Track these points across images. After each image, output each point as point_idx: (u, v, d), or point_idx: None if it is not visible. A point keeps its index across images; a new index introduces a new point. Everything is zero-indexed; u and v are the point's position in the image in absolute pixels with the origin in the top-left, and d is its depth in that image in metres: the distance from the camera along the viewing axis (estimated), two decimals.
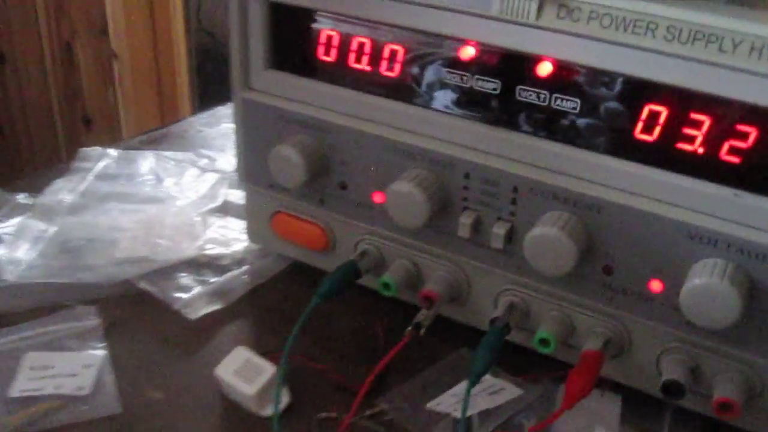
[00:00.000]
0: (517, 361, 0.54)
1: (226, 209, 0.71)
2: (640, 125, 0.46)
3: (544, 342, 0.50)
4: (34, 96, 1.71)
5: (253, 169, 0.60)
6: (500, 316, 0.52)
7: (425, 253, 0.55)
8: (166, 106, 1.78)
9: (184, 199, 0.72)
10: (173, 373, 0.55)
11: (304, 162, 0.55)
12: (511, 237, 0.51)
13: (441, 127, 0.52)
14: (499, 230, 0.51)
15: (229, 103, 0.61)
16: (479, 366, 0.48)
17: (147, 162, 0.78)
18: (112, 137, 1.66)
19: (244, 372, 0.51)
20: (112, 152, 0.79)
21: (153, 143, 0.85)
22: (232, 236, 0.67)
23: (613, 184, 0.47)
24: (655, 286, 0.48)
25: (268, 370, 0.51)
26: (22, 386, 0.52)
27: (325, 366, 0.54)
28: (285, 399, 0.52)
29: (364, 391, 0.50)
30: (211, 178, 0.76)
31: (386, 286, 0.55)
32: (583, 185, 0.48)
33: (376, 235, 0.57)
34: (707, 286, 0.44)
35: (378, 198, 0.55)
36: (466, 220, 0.52)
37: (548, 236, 0.47)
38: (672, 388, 0.47)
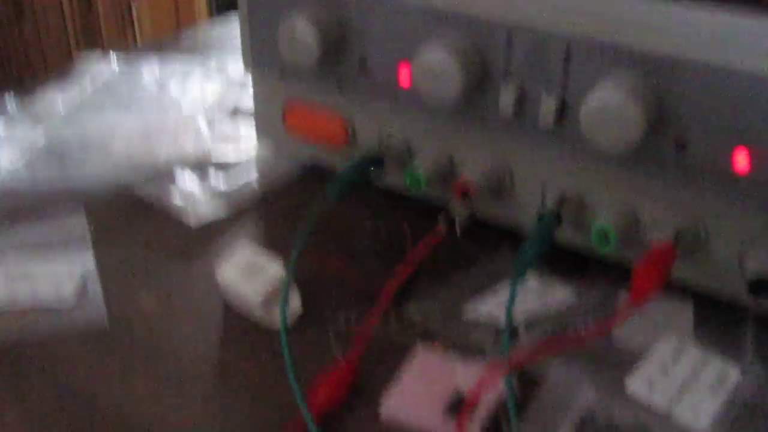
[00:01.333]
0: (570, 268, 0.46)
1: (235, 115, 0.63)
2: None
3: (602, 236, 0.42)
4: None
5: (260, 52, 0.52)
6: (549, 207, 0.43)
7: (460, 141, 0.47)
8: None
9: (189, 105, 0.64)
10: (169, 281, 0.48)
11: (316, 32, 0.46)
12: (562, 112, 0.43)
13: None
14: (549, 104, 0.43)
15: None
16: (528, 255, 0.40)
17: (150, 68, 0.70)
18: None
19: (248, 275, 0.44)
20: (113, 57, 0.72)
21: (158, 50, 0.77)
22: (241, 142, 0.59)
23: (689, 35, 0.39)
24: (741, 160, 0.39)
25: (276, 271, 0.43)
26: None
27: (342, 265, 0.46)
28: (296, 306, 0.44)
29: (390, 296, 0.43)
30: (220, 83, 0.68)
31: (415, 180, 0.47)
32: (650, 39, 0.39)
33: (401, 123, 0.49)
34: None
35: (404, 76, 0.47)
36: (508, 95, 0.43)
37: (612, 101, 0.39)
38: (762, 285, 0.39)
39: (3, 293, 0.46)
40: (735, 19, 0.37)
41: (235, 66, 0.70)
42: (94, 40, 1.70)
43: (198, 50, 0.76)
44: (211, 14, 1.59)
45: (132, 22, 1.67)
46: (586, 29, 0.41)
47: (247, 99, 0.64)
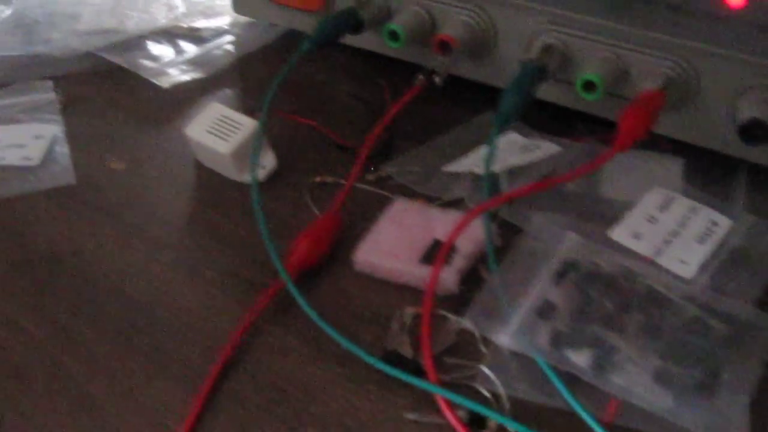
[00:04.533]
0: (556, 126, 0.45)
1: None
2: None
3: (588, 86, 0.40)
4: None
5: None
6: (533, 57, 0.41)
7: None
8: None
9: None
10: (139, 143, 0.46)
11: None
12: None
13: None
14: None
15: None
16: (508, 105, 0.38)
17: None
18: None
19: (218, 129, 0.42)
20: None
21: None
22: (214, 8, 0.57)
23: None
24: None
25: (247, 124, 0.42)
26: None
27: (316, 122, 0.45)
28: (270, 163, 0.42)
29: (369, 149, 0.41)
30: None
31: (393, 35, 0.45)
32: None
33: None
34: None
35: None
36: None
37: None
38: (754, 128, 0.37)
39: None
40: None
41: None
42: None
43: None
44: None
45: None
46: None
47: None
